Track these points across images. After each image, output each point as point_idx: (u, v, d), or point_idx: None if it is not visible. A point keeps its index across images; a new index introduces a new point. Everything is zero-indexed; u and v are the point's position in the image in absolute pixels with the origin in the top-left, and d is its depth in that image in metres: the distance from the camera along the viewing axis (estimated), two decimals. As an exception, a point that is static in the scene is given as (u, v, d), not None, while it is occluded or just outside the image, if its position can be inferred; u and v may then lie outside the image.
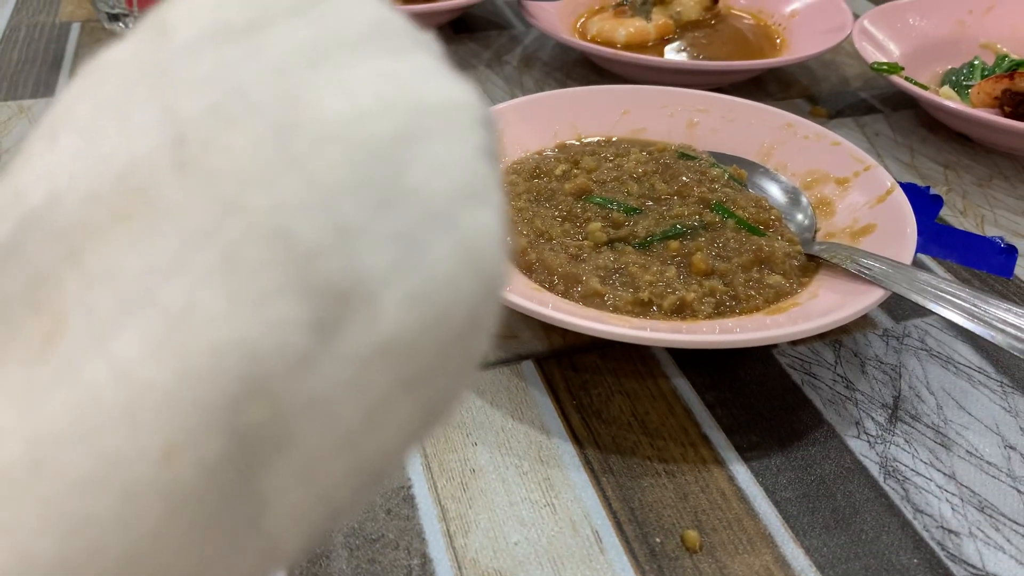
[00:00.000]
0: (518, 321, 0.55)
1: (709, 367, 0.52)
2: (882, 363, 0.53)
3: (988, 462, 0.47)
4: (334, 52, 0.18)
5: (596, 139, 0.68)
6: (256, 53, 0.18)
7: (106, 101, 0.19)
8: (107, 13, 0.91)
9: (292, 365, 0.16)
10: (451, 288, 0.17)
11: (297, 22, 0.19)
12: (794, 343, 0.54)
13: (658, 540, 0.42)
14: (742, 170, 0.63)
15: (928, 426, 0.49)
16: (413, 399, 0.17)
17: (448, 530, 0.43)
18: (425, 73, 0.19)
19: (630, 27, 0.89)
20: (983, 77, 0.78)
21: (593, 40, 0.89)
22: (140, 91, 0.18)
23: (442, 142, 0.17)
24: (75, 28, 0.95)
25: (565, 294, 0.52)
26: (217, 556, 0.17)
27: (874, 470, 0.46)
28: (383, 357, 0.16)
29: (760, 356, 0.53)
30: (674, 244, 0.54)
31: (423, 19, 0.85)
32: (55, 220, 0.17)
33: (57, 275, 0.17)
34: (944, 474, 0.46)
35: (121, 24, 0.91)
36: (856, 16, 0.85)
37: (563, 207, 0.58)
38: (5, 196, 0.18)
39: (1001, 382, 0.52)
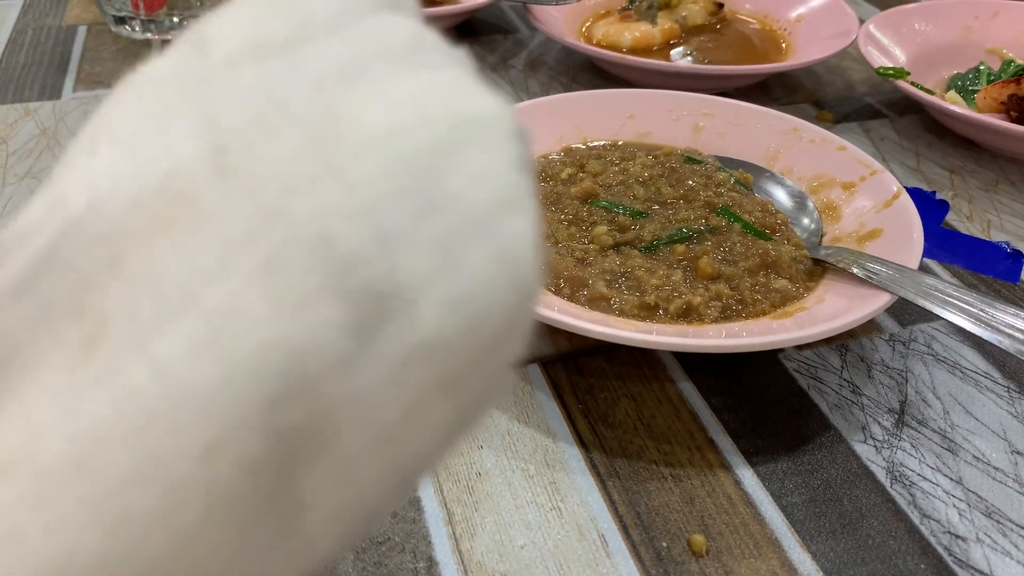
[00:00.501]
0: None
1: (715, 371, 0.52)
2: (888, 368, 0.53)
3: (995, 467, 0.47)
4: (372, 67, 0.19)
5: (601, 143, 0.68)
6: (296, 68, 0.19)
7: (146, 113, 0.19)
8: (113, 16, 0.91)
9: (331, 366, 0.16)
10: (488, 293, 0.17)
11: (335, 39, 0.19)
12: (800, 347, 0.54)
13: (664, 544, 0.42)
14: (748, 174, 0.63)
15: (935, 431, 0.48)
16: (449, 401, 0.18)
17: (454, 533, 0.42)
18: (461, 87, 0.19)
19: (636, 31, 0.89)
20: (989, 82, 0.78)
21: (599, 44, 0.89)
22: (180, 103, 0.19)
23: (479, 153, 0.18)
24: (81, 31, 0.95)
25: (571, 297, 0.52)
26: (255, 554, 0.17)
27: (881, 475, 0.46)
28: (421, 359, 0.17)
29: (766, 360, 0.53)
30: (680, 248, 0.54)
31: (428, 23, 0.84)
32: (97, 227, 0.18)
33: (99, 281, 0.17)
34: (951, 479, 0.46)
35: (127, 27, 0.91)
36: (862, 21, 0.85)
37: (569, 211, 0.58)
38: (46, 204, 0.19)
39: (1008, 387, 0.51)
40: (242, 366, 0.16)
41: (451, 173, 0.18)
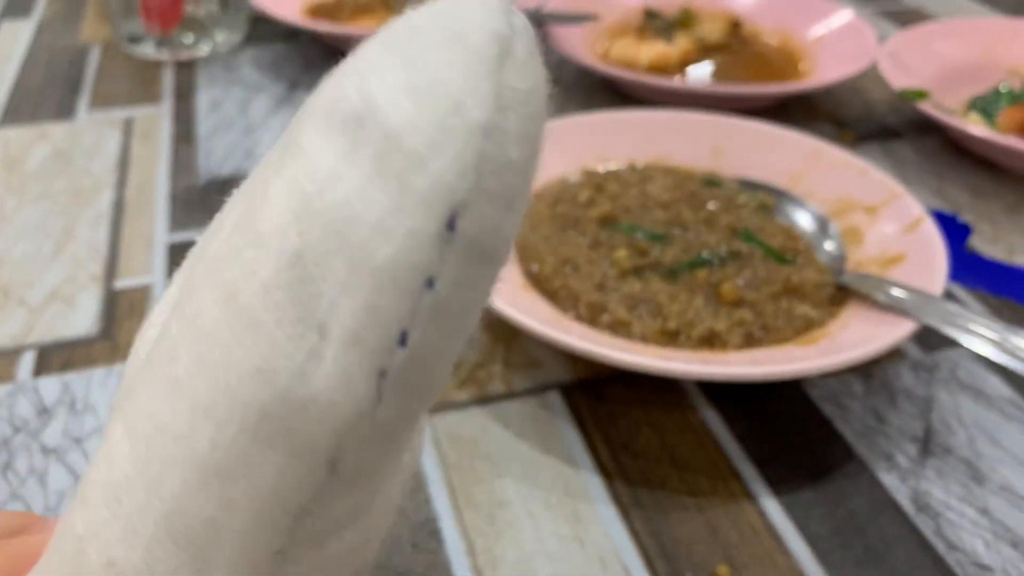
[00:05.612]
0: (543, 350, 0.54)
1: (738, 399, 0.51)
2: (912, 395, 0.52)
3: (1021, 497, 0.46)
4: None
5: (619, 166, 0.67)
6: None
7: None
8: (127, 36, 0.91)
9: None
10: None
11: None
12: (824, 375, 0.53)
13: (688, 577, 0.42)
14: (770, 197, 0.62)
15: (960, 460, 0.48)
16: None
17: (476, 565, 0.42)
18: None
19: (652, 50, 0.88)
20: (1009, 104, 0.78)
21: (614, 63, 0.88)
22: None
23: None
24: (95, 50, 0.95)
25: (591, 322, 0.51)
26: None
27: (906, 505, 0.45)
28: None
29: (789, 387, 0.52)
30: (702, 273, 0.53)
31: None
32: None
33: None
34: (977, 509, 0.45)
35: (141, 47, 0.91)
36: (882, 40, 0.85)
37: (588, 234, 0.57)
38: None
39: (1034, 415, 0.51)
40: None
41: None
